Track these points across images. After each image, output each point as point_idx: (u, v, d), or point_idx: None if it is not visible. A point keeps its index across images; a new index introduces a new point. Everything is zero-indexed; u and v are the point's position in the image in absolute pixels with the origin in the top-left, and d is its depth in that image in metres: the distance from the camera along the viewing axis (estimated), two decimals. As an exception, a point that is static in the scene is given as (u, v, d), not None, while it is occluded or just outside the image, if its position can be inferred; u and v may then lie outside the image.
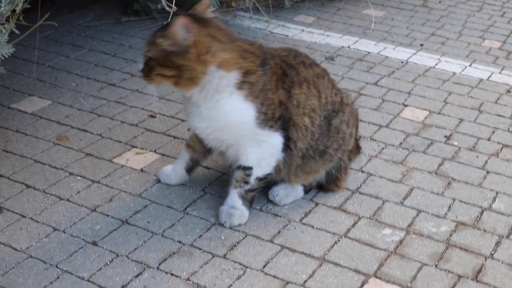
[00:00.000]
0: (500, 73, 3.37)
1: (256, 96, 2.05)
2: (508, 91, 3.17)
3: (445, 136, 2.79)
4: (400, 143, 2.73)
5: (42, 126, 2.74)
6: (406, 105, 3.03)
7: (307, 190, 2.38)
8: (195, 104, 2.06)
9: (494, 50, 3.68)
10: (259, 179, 2.21)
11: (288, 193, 2.32)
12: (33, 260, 2.03)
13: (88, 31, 3.68)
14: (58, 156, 2.55)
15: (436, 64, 3.46)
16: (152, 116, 2.83)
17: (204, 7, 2.09)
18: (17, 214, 2.23)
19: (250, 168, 2.18)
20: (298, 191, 2.34)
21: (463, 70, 3.41)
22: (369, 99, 3.07)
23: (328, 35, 3.79)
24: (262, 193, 2.34)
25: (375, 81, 3.25)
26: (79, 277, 1.97)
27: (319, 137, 2.20)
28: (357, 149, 2.48)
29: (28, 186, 2.37)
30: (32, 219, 2.21)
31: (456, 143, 2.74)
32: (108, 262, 2.04)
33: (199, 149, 2.30)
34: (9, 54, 2.13)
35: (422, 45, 3.70)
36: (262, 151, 2.15)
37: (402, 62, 3.47)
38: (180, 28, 1.94)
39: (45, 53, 3.35)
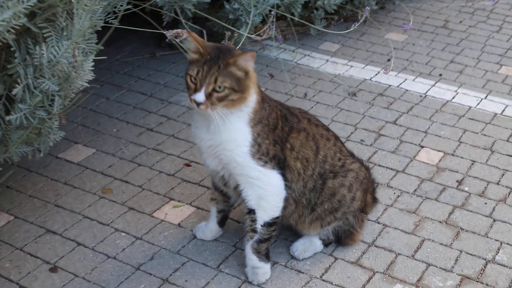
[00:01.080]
0: (513, 106, 3.57)
1: (255, 124, 2.30)
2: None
3: (457, 181, 3.02)
4: (415, 190, 2.97)
5: (88, 178, 3.04)
6: (422, 146, 3.26)
7: (326, 244, 2.64)
8: (209, 119, 2.28)
9: (510, 78, 3.87)
10: (268, 225, 2.40)
11: (306, 248, 2.59)
12: (87, 321, 2.34)
13: (126, 68, 3.95)
14: (103, 211, 2.84)
15: (453, 98, 3.68)
16: (187, 165, 3.11)
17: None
18: (71, 274, 2.53)
19: (253, 212, 2.39)
20: (316, 245, 2.61)
21: (478, 104, 3.62)
22: (388, 140, 3.30)
23: (351, 66, 4.02)
24: (286, 248, 2.61)
25: (394, 119, 3.48)
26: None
27: (312, 190, 2.43)
28: (373, 202, 2.74)
29: (78, 244, 2.67)
30: (84, 278, 2.52)
31: (466, 189, 2.98)
32: (152, 323, 2.33)
33: (220, 198, 2.59)
34: (60, 139, 2.40)
35: (441, 75, 3.91)
36: (260, 191, 2.35)
37: (420, 96, 3.69)
38: (249, 58, 2.20)
39: (87, 94, 3.63)
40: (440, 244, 2.67)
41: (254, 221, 2.40)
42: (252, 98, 2.27)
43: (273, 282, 2.49)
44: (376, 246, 2.66)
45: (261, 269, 2.46)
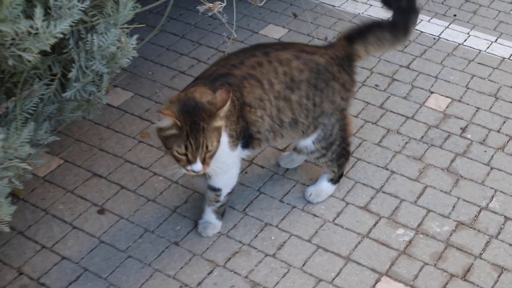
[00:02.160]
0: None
1: (226, 126, 2.42)
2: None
3: (461, 128, 3.33)
4: (422, 137, 3.30)
5: (127, 122, 3.39)
6: (432, 92, 3.56)
7: (334, 180, 2.96)
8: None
9: (521, 19, 4.09)
10: (228, 194, 2.72)
11: (318, 193, 2.94)
12: (132, 259, 2.76)
13: (158, 7, 4.22)
14: (142, 155, 3.22)
15: (465, 41, 3.92)
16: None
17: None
18: (116, 215, 2.94)
19: (219, 190, 2.67)
20: (327, 189, 2.93)
21: (488, 47, 3.87)
22: (400, 86, 3.60)
23: (370, 5, 4.24)
24: (300, 191, 2.97)
25: (408, 63, 3.76)
26: (167, 275, 2.70)
27: (278, 114, 2.56)
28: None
29: (122, 187, 3.06)
30: (128, 220, 2.92)
31: (469, 136, 3.30)
32: (187, 261, 2.75)
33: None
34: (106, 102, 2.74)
35: (455, 15, 4.13)
36: (229, 176, 2.65)
37: (434, 38, 3.94)
38: (227, 104, 2.27)
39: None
40: (440, 191, 3.02)
41: (218, 195, 2.69)
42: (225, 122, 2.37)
43: (292, 225, 2.87)
44: (383, 192, 3.01)
45: (214, 225, 2.78)
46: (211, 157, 2.34)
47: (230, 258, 2.73)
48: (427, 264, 2.70)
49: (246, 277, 2.65)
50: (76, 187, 3.03)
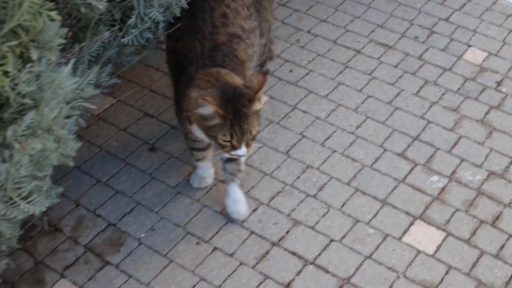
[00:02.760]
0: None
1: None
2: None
3: (496, 82, 3.46)
4: (458, 89, 3.43)
5: (177, 65, 3.55)
6: (469, 46, 3.67)
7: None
8: None
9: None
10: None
11: None
12: (181, 195, 2.96)
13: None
14: (191, 98, 3.38)
15: (504, -6, 4.01)
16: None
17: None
18: (166, 153, 3.13)
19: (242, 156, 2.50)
20: None
21: (527, 2, 3.96)
22: (439, 38, 3.71)
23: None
24: (344, 139, 3.13)
25: (447, 16, 3.86)
26: (214, 210, 2.90)
27: (251, 49, 2.70)
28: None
29: (172, 127, 3.25)
30: (177, 158, 3.11)
31: (504, 90, 3.43)
32: (233, 199, 2.94)
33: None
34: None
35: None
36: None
37: (474, -9, 4.03)
38: (264, 87, 2.35)
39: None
40: (474, 141, 3.17)
41: (239, 164, 2.66)
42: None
43: (332, 168, 3.05)
44: (419, 141, 3.17)
45: (244, 201, 2.76)
46: (254, 139, 2.39)
47: (274, 197, 2.92)
48: (458, 210, 2.87)
49: (288, 215, 2.84)
50: (129, 125, 3.22)
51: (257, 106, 2.32)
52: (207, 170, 2.85)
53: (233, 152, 2.36)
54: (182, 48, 2.57)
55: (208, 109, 2.27)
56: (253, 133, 2.34)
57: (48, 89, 1.96)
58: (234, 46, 2.53)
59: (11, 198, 2.06)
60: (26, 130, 1.95)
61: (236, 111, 2.28)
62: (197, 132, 2.49)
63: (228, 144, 2.33)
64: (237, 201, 2.72)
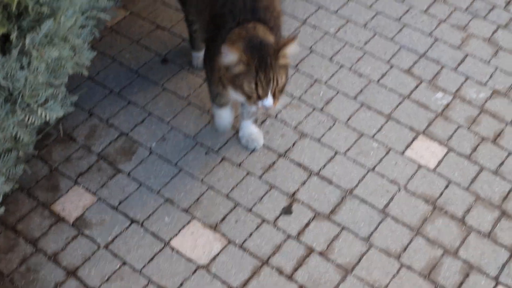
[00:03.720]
0: None
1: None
2: None
3: (506, 2, 3.48)
4: (467, 7, 3.46)
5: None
6: (481, -37, 3.67)
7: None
8: None
9: None
10: None
11: None
12: (192, 106, 3.05)
13: None
14: (202, 11, 3.42)
15: None
16: None
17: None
18: (178, 65, 3.20)
19: None
20: None
21: None
22: (451, -45, 3.71)
23: None
24: (349, 51, 3.19)
25: None
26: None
27: None
28: None
29: (184, 39, 3.30)
30: (188, 71, 3.19)
31: (512, 9, 3.45)
32: (242, 111, 3.02)
33: None
34: None
35: None
36: None
37: None
38: (292, 46, 2.34)
39: None
40: (480, 60, 3.22)
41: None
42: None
43: (339, 82, 3.11)
44: (426, 58, 3.22)
45: (258, 133, 2.81)
46: (281, 91, 2.36)
47: (281, 110, 2.99)
48: (461, 126, 2.95)
49: (295, 127, 2.93)
50: (141, 38, 3.28)
51: (284, 60, 2.31)
52: (228, 117, 2.81)
53: (260, 104, 2.34)
54: (225, 3, 2.50)
55: (231, 57, 2.27)
56: (280, 83, 2.32)
57: (64, -1, 2.02)
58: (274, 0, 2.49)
59: (28, 105, 2.14)
60: (44, 38, 2.02)
61: (262, 59, 2.26)
62: (232, 93, 2.43)
63: (254, 94, 2.32)
64: (252, 133, 2.78)
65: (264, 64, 2.27)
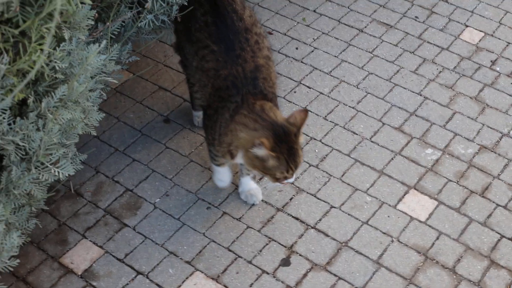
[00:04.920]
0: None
1: None
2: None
3: (491, 61, 3.67)
4: (454, 67, 3.65)
5: (189, 41, 3.77)
6: (467, 26, 3.87)
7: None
8: None
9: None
10: None
11: None
12: (193, 164, 3.20)
13: None
14: (202, 73, 3.60)
15: (502, -23, 4.19)
16: (269, 33, 3.80)
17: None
18: (180, 125, 3.36)
19: None
20: None
21: (523, -16, 4.15)
22: (438, 18, 3.91)
23: None
24: (342, 110, 3.37)
25: (446, -3, 4.06)
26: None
27: None
28: None
29: (185, 100, 3.47)
30: (190, 129, 3.34)
31: (498, 69, 3.64)
32: (241, 168, 3.17)
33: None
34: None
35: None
36: None
37: (473, -26, 4.21)
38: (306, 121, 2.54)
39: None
40: (467, 117, 3.39)
41: None
42: None
43: (334, 140, 3.27)
44: (416, 115, 3.39)
45: (257, 189, 2.95)
46: None
47: (279, 167, 3.13)
48: (450, 181, 3.10)
49: (292, 183, 3.07)
50: (144, 98, 3.45)
51: (301, 139, 2.53)
52: (226, 174, 2.93)
53: (286, 181, 2.57)
54: (227, 76, 2.68)
55: (263, 151, 2.43)
56: (302, 162, 2.56)
57: (77, 65, 2.19)
58: (270, 68, 2.71)
59: (42, 163, 2.29)
60: (58, 102, 2.19)
61: (290, 150, 2.47)
62: (239, 160, 2.62)
63: (282, 177, 2.53)
64: (251, 189, 2.93)
65: (292, 154, 2.48)
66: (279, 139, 2.46)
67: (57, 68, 2.09)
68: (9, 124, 2.06)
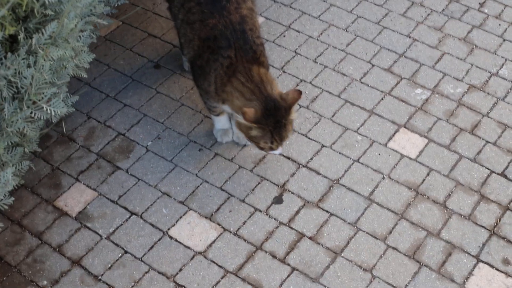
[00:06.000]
0: None
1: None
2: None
3: (479, 3, 3.68)
4: (443, 10, 3.66)
5: (177, -12, 3.76)
6: (455, -31, 3.88)
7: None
8: None
9: None
10: None
11: None
12: (185, 107, 3.21)
13: None
14: (192, 19, 3.60)
15: None
16: None
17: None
18: (170, 70, 3.37)
19: None
20: None
21: None
22: (426, -38, 3.91)
23: None
24: (332, 53, 3.38)
25: None
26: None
27: None
28: None
29: (174, 46, 3.48)
30: (180, 74, 3.36)
31: (486, 11, 3.65)
32: (232, 111, 3.18)
33: None
34: None
35: None
36: None
37: None
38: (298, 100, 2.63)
39: None
40: (456, 57, 3.41)
41: None
42: None
43: (324, 82, 3.28)
44: (405, 57, 3.41)
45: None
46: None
47: (270, 109, 3.15)
48: (440, 119, 3.13)
49: (280, 154, 3.08)
50: (134, 45, 3.44)
51: (292, 115, 2.61)
52: (227, 122, 2.98)
53: (272, 152, 2.68)
54: (215, 25, 2.69)
55: (249, 123, 2.55)
56: (289, 137, 2.65)
57: (67, 2, 2.19)
58: (253, 18, 2.74)
59: (34, 102, 2.30)
60: (48, 39, 2.19)
61: (277, 123, 2.56)
62: (226, 109, 2.73)
63: (267, 146, 2.62)
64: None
65: (278, 127, 2.57)
66: (268, 112, 2.54)
67: (47, 2, 2.08)
68: (0, 59, 2.07)
